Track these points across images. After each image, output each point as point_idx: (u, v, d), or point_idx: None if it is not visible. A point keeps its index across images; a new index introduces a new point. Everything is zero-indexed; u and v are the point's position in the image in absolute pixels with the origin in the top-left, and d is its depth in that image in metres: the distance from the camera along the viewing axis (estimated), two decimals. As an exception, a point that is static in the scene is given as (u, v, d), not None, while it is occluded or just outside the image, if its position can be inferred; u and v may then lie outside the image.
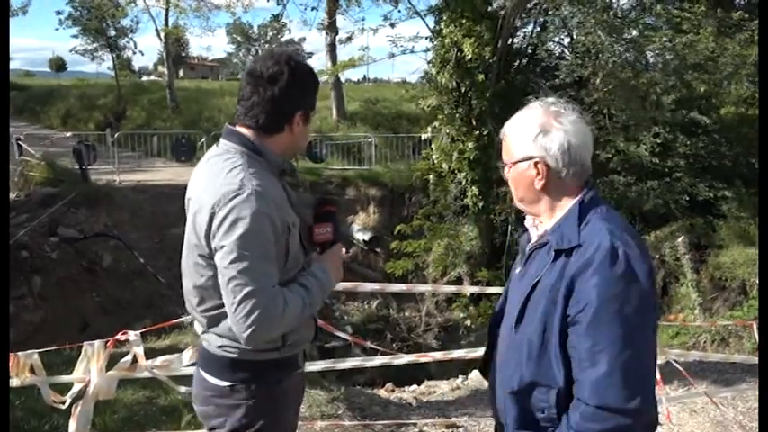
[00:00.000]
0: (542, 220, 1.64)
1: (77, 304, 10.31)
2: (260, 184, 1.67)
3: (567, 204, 1.58)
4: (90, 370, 2.56)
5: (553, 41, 13.08)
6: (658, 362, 5.88)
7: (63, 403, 2.65)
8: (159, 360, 2.75)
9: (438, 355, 4.42)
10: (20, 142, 13.46)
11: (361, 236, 13.69)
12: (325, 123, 19.10)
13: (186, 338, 5.27)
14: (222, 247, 1.63)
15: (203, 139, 15.05)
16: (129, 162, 14.83)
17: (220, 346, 1.79)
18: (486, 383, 5.34)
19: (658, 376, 3.55)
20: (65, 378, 2.75)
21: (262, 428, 1.81)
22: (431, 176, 11.82)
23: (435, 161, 11.52)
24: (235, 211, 1.62)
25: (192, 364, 2.83)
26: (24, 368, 2.53)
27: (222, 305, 1.69)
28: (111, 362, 2.81)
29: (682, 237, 8.41)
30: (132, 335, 2.63)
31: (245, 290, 1.60)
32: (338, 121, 19.10)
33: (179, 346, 4.93)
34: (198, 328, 1.89)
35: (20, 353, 2.55)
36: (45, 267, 10.56)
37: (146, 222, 12.20)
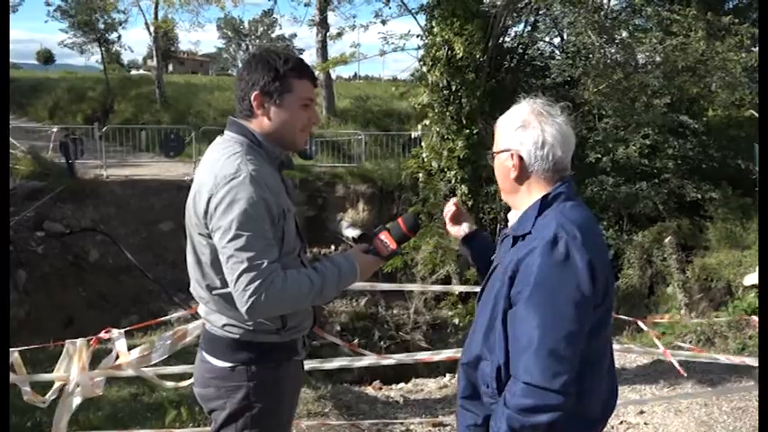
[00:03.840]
0: (515, 211, 1.73)
1: (63, 299, 10.23)
2: (255, 170, 1.75)
3: (537, 197, 1.66)
4: (71, 369, 2.51)
5: (543, 41, 13.11)
6: (645, 361, 5.94)
7: (44, 403, 2.61)
8: (138, 351, 2.72)
9: (425, 356, 4.42)
10: (6, 135, 13.30)
11: (350, 233, 13.67)
12: (315, 120, 19.04)
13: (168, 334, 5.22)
14: (219, 227, 1.70)
15: (192, 135, 14.95)
16: (116, 156, 14.71)
17: (223, 326, 1.85)
18: None
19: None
20: (46, 376, 2.70)
21: (261, 411, 1.86)
22: (420, 174, 11.81)
23: (425, 159, 11.50)
24: (231, 193, 1.69)
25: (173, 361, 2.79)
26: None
27: (224, 284, 1.76)
28: (97, 359, 2.78)
29: (669, 237, 8.46)
30: (116, 332, 2.59)
31: (243, 265, 1.67)
32: (328, 119, 19.04)
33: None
34: (201, 309, 1.94)
35: None
36: (30, 262, 10.46)
37: (133, 217, 12.13)
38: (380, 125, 18.78)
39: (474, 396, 1.67)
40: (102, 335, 2.59)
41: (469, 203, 11.52)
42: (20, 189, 11.57)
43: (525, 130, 1.66)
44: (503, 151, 1.70)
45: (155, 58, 22.96)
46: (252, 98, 1.83)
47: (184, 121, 18.02)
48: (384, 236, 1.92)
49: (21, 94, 25.09)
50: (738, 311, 7.06)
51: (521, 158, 1.66)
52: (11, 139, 13.23)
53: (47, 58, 47.37)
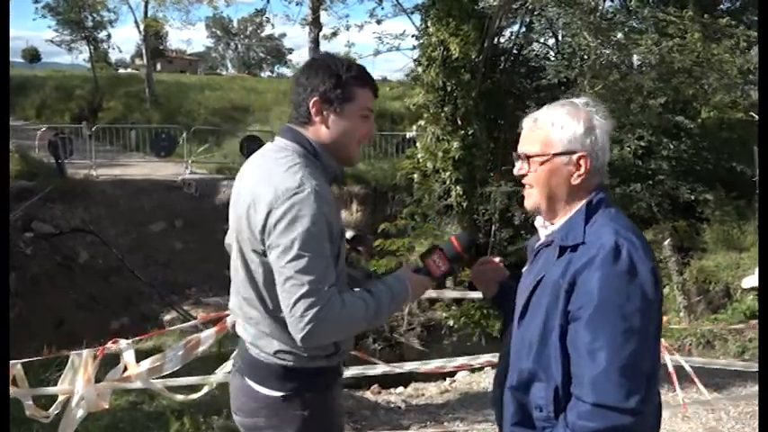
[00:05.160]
0: (552, 219, 1.62)
1: (52, 301, 10.05)
2: (318, 185, 1.64)
3: (578, 204, 1.57)
4: (76, 381, 2.39)
5: (539, 42, 13.08)
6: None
7: (47, 418, 2.49)
8: (149, 362, 2.59)
9: (438, 364, 4.33)
10: (-7, 134, 13.07)
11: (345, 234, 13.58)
12: (307, 120, 18.93)
13: (169, 340, 5.11)
14: (279, 245, 1.58)
15: (184, 134, 14.78)
16: (106, 156, 14.52)
17: (276, 352, 1.72)
18: (475, 386, 5.22)
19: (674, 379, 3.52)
20: (50, 390, 2.57)
21: None
22: (415, 175, 11.75)
23: (420, 160, 11.45)
24: (294, 209, 1.58)
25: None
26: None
27: (279, 308, 1.63)
28: (101, 370, 2.67)
29: (668, 240, 8.45)
30: (123, 343, 2.48)
31: (303, 289, 1.55)
32: (320, 118, 18.90)
33: (162, 348, 4.77)
34: (246, 331, 1.79)
35: None
36: (19, 263, 10.26)
37: (123, 218, 11.96)
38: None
39: (525, 422, 1.56)
40: (110, 345, 2.47)
41: (464, 205, 11.49)
42: (8, 189, 11.36)
43: (593, 132, 1.55)
44: (563, 153, 1.55)
45: (144, 57, 22.76)
46: (310, 104, 1.72)
47: (175, 121, 17.84)
48: (437, 256, 1.81)
49: (7, 93, 24.73)
50: (737, 314, 7.05)
51: (590, 162, 1.54)
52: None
53: (33, 56, 46.82)
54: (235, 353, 1.93)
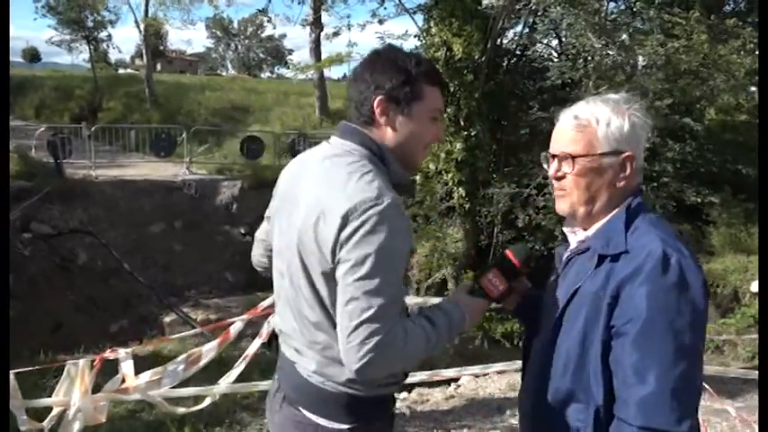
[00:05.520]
0: (587, 225, 1.50)
1: (51, 303, 9.94)
2: (396, 197, 1.45)
3: (616, 209, 1.45)
4: (72, 392, 2.27)
5: (542, 43, 12.98)
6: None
7: (41, 431, 2.37)
8: (148, 375, 2.47)
9: (450, 373, 4.22)
10: (-9, 134, 12.97)
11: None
12: (308, 121, 18.84)
13: (169, 345, 5.00)
14: (349, 260, 1.40)
15: (183, 135, 14.68)
16: (105, 156, 14.42)
17: (347, 381, 1.52)
18: (481, 392, 5.07)
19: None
20: (44, 401, 2.45)
21: None
22: (417, 177, 11.63)
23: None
24: (371, 222, 1.39)
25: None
26: None
27: None
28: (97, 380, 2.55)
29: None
30: (122, 352, 2.36)
31: (368, 314, 1.37)
32: (321, 119, 18.83)
33: (163, 352, 4.67)
34: (305, 360, 1.58)
35: None
36: (17, 265, 10.15)
37: (123, 219, 11.86)
38: (374, 126, 18.62)
39: None
40: (107, 354, 2.36)
41: (466, 206, 11.39)
42: (6, 189, 11.25)
43: (635, 130, 1.43)
44: (610, 153, 1.42)
45: (144, 57, 22.66)
46: (375, 103, 1.52)
47: (175, 121, 17.74)
48: (493, 275, 1.63)
49: (6, 92, 24.63)
50: (746, 318, 6.95)
51: (635, 162, 1.43)
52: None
53: (33, 55, 46.75)
54: (276, 379, 1.71)
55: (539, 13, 12.06)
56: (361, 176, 1.45)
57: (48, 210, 11.12)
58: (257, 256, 1.89)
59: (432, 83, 1.57)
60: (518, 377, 4.98)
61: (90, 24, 25.44)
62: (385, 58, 1.56)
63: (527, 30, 12.56)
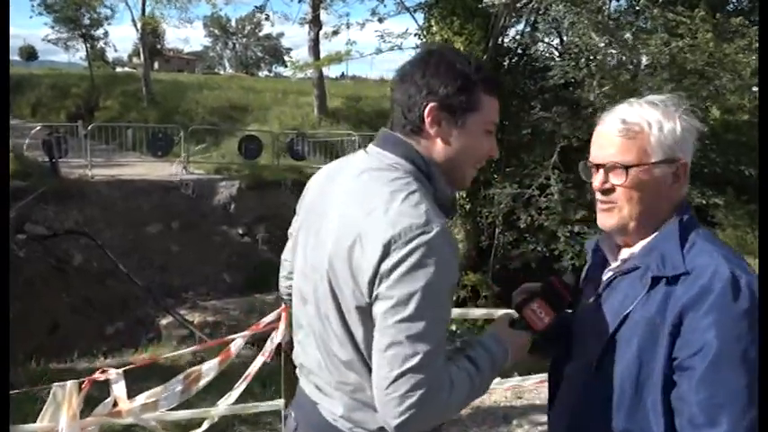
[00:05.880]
0: (629, 240, 1.34)
1: (46, 305, 9.78)
2: (445, 222, 1.25)
3: (665, 223, 1.30)
4: (59, 417, 2.12)
5: (543, 42, 12.85)
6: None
7: (25, 459, 2.22)
8: (143, 397, 2.31)
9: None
10: (-14, 133, 12.81)
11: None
12: (306, 120, 18.70)
13: (165, 350, 4.86)
14: (390, 297, 1.19)
15: (181, 134, 14.53)
16: (102, 155, 14.25)
17: (378, 430, 1.34)
18: (486, 400, 4.89)
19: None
20: (29, 427, 2.27)
21: None
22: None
23: (423, 162, 11.22)
24: (418, 254, 1.19)
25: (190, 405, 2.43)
26: None
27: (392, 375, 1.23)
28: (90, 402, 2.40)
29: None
30: (113, 373, 2.20)
31: (410, 363, 1.17)
32: (320, 119, 18.69)
33: (158, 360, 4.52)
34: (331, 402, 1.40)
35: None
36: (12, 266, 9.99)
37: (119, 219, 11.70)
38: (373, 126, 18.46)
39: None
40: (97, 376, 2.20)
41: (467, 207, 11.27)
42: (0, 189, 11.10)
43: (686, 135, 1.29)
44: (665, 162, 1.28)
45: (141, 55, 22.49)
46: (426, 110, 1.32)
47: (172, 120, 17.59)
48: (538, 305, 1.44)
49: (2, 91, 24.44)
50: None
51: (687, 170, 1.30)
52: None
53: (30, 54, 46.54)
54: (292, 417, 1.53)
55: (540, 12, 11.93)
56: (406, 197, 1.25)
57: (43, 210, 10.96)
58: (282, 280, 1.67)
59: (490, 92, 1.38)
60: (524, 385, 4.81)
61: (86, 22, 25.27)
62: (441, 60, 1.36)
63: (528, 28, 12.44)
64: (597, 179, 1.34)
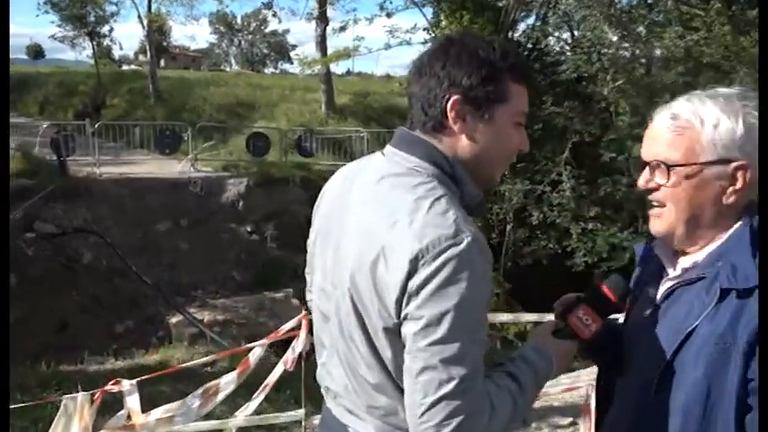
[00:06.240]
0: (688, 248, 1.22)
1: (55, 304, 9.75)
2: (477, 231, 1.13)
3: (727, 230, 1.17)
4: (70, 430, 2.02)
5: (554, 36, 12.72)
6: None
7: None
8: (159, 412, 2.19)
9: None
10: (-6, 131, 12.79)
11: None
12: (314, 117, 18.61)
13: (177, 353, 4.78)
14: (420, 318, 1.08)
15: (189, 131, 14.47)
16: (109, 153, 14.20)
17: None
18: None
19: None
20: None
21: None
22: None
23: (433, 158, 11.12)
24: (448, 269, 1.07)
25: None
26: None
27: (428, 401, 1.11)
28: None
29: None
30: (126, 384, 2.10)
31: (446, 388, 1.06)
32: (327, 115, 18.59)
33: (170, 362, 4.44)
34: (361, 425, 1.29)
35: None
36: (21, 264, 9.96)
37: (128, 218, 11.64)
38: (381, 122, 18.37)
39: None
40: (110, 387, 2.10)
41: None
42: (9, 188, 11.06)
43: (752, 134, 1.13)
44: (716, 162, 1.15)
45: (148, 53, 22.45)
46: (449, 105, 1.20)
47: (179, 117, 17.52)
48: (584, 311, 1.31)
49: (11, 89, 24.46)
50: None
51: (748, 174, 1.14)
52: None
53: (36, 52, 46.65)
54: None
55: (551, 6, 11.81)
56: (431, 205, 1.13)
57: (51, 208, 10.91)
58: (307, 293, 1.54)
59: (519, 80, 1.24)
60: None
61: (92, 19, 25.27)
62: (462, 47, 1.22)
63: (539, 22, 12.32)
64: (642, 177, 1.23)
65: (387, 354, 1.17)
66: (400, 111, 19.36)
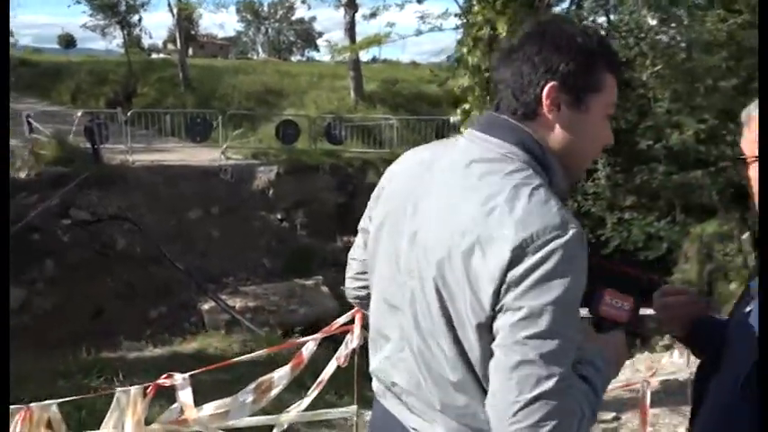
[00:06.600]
0: None
1: (90, 290, 9.91)
2: (578, 223, 1.07)
3: None
4: (123, 423, 1.99)
5: (589, 21, 12.42)
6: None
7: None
8: (212, 407, 2.15)
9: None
10: (30, 119, 12.99)
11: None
12: (342, 104, 18.55)
13: (213, 341, 4.78)
14: (520, 308, 1.02)
15: (219, 119, 14.54)
16: (141, 141, 14.33)
17: None
18: None
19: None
20: None
21: None
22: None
23: (464, 146, 10.97)
24: (554, 260, 1.01)
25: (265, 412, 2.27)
26: (40, 424, 1.94)
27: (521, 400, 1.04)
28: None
29: (747, 233, 7.89)
30: (179, 378, 2.06)
31: (545, 386, 1.00)
32: (356, 102, 18.52)
33: (207, 350, 4.45)
34: (431, 427, 1.22)
35: (33, 404, 1.94)
36: (57, 251, 10.14)
37: (160, 205, 11.75)
38: (410, 109, 18.24)
39: None
40: (162, 381, 2.07)
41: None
42: (45, 175, 11.23)
43: None
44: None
45: (178, 41, 22.59)
46: (545, 92, 1.15)
47: (209, 105, 17.62)
48: (609, 296, 1.27)
49: (44, 78, 24.87)
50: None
51: None
52: (34, 123, 12.91)
53: (68, 41, 47.33)
54: None
55: (587, -11, 11.51)
56: (531, 193, 1.07)
57: (86, 195, 11.06)
58: (349, 281, 1.50)
59: (613, 69, 1.19)
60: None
61: (123, 9, 25.54)
62: (560, 32, 1.17)
63: (574, 7, 12.02)
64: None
65: (473, 349, 1.11)
66: (429, 98, 19.20)
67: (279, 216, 12.78)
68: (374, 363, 1.33)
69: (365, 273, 1.40)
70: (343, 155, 14.19)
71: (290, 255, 11.91)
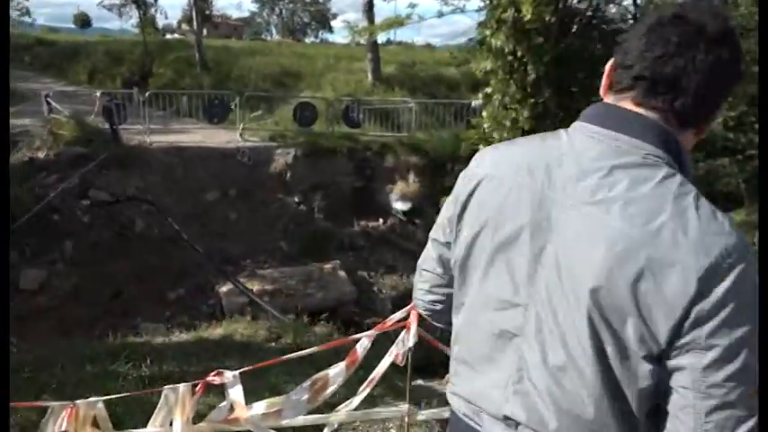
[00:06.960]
0: None
1: (109, 270, 9.91)
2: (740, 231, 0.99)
3: None
4: (172, 421, 1.92)
5: (615, 3, 12.15)
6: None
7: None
8: (263, 405, 2.05)
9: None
10: (48, 99, 12.97)
11: (400, 206, 13.11)
12: (360, 87, 18.36)
13: (240, 327, 4.74)
14: (713, 347, 0.92)
15: (236, 100, 14.44)
16: (158, 122, 14.28)
17: None
18: None
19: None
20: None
21: None
22: (481, 146, 11.10)
23: (486, 130, 10.80)
24: (743, 286, 0.92)
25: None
26: (85, 422, 1.88)
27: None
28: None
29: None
30: (229, 375, 1.98)
31: (747, 425, 0.92)
32: (374, 85, 18.32)
33: (234, 336, 4.40)
34: None
35: (79, 401, 1.90)
36: (76, 231, 10.15)
37: (178, 186, 11.72)
38: (428, 92, 18.01)
39: None
40: (211, 378, 1.99)
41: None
42: (64, 155, 11.22)
43: None
44: None
45: (194, 20, 22.45)
46: (718, 111, 1.09)
47: (225, 86, 17.51)
48: None
49: (60, 58, 24.86)
50: None
51: None
52: (54, 103, 12.89)
53: (83, 21, 47.27)
54: None
55: (614, -30, 11.25)
56: (696, 206, 0.96)
57: (105, 176, 11.05)
58: (421, 292, 1.37)
59: None
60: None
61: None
62: (736, 37, 1.07)
63: (600, -11, 11.76)
64: None
65: (632, 385, 0.99)
66: (447, 80, 18.97)
67: (296, 199, 12.72)
68: (468, 387, 1.20)
69: (441, 286, 1.30)
70: (361, 138, 14.06)
71: (307, 238, 11.85)
